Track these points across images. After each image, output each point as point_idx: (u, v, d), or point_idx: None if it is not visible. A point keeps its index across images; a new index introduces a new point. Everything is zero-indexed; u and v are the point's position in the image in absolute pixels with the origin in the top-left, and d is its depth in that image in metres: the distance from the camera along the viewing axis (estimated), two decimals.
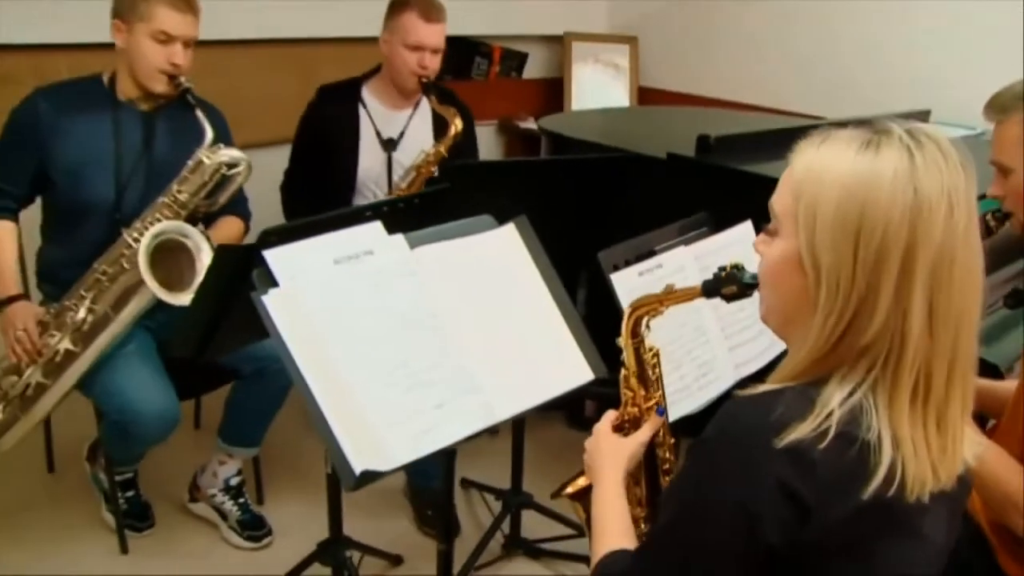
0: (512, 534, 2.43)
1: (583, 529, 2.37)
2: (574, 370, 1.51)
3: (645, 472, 1.34)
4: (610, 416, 1.32)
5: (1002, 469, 1.40)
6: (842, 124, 1.01)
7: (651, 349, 1.34)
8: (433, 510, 2.51)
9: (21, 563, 2.29)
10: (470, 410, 1.36)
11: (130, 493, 2.44)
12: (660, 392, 1.34)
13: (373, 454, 1.24)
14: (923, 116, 3.22)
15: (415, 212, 1.60)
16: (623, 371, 1.33)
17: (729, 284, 1.17)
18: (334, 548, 1.99)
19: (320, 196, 2.58)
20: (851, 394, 0.93)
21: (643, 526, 1.35)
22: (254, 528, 2.42)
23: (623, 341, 1.32)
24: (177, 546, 2.41)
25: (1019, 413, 1.50)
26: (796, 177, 0.98)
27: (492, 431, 2.92)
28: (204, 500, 2.47)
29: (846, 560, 0.93)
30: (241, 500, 2.44)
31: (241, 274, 1.52)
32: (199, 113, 2.08)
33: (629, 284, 1.71)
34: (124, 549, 2.36)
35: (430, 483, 2.54)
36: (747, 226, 1.93)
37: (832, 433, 0.90)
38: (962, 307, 0.93)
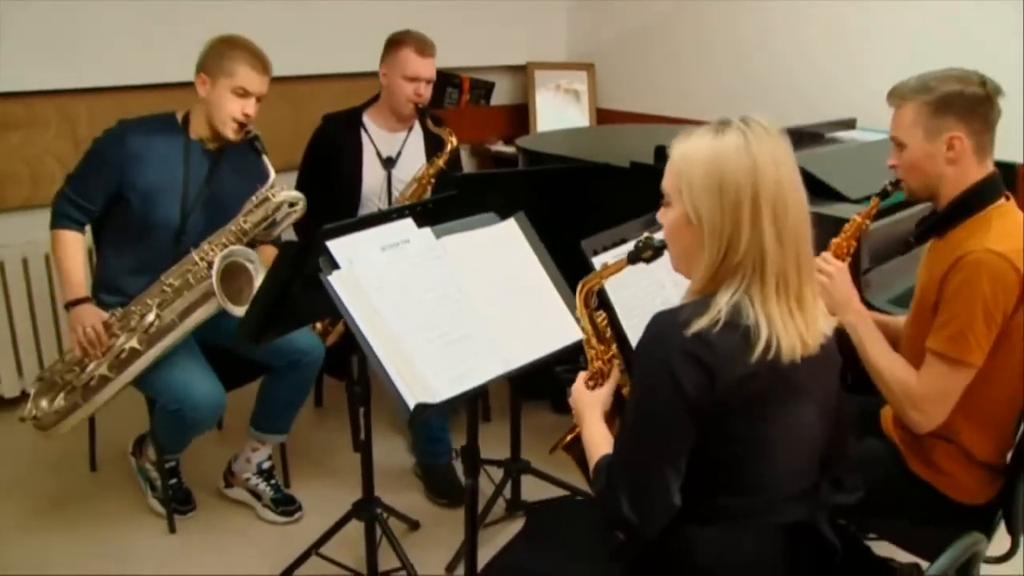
0: (513, 498, 2.76)
1: (576, 491, 2.73)
2: (567, 331, 1.88)
3: (618, 413, 1.67)
4: (583, 375, 1.68)
5: (908, 375, 1.81)
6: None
7: (600, 314, 1.68)
8: (443, 483, 2.86)
9: (81, 548, 2.58)
10: (492, 360, 1.73)
11: (174, 480, 2.74)
12: (615, 346, 1.68)
13: (422, 392, 1.59)
14: (850, 123, 3.63)
15: (429, 213, 1.95)
16: (584, 336, 1.67)
17: (646, 250, 1.54)
18: (368, 506, 2.31)
19: (328, 211, 2.89)
20: (733, 295, 1.34)
21: None
22: (287, 505, 2.73)
23: (579, 312, 1.65)
24: (218, 525, 2.72)
25: (909, 336, 1.92)
26: (674, 163, 1.40)
27: (486, 417, 3.29)
28: (239, 484, 2.78)
29: (751, 413, 1.34)
30: (273, 481, 2.76)
31: (296, 267, 1.88)
32: (265, 158, 2.41)
33: None
34: (172, 529, 2.67)
35: (438, 460, 2.89)
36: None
37: (722, 321, 1.31)
38: (797, 227, 1.34)
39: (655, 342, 1.35)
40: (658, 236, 1.51)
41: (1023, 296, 1.74)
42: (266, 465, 2.77)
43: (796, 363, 1.34)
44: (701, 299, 1.37)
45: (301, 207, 2.45)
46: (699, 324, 1.31)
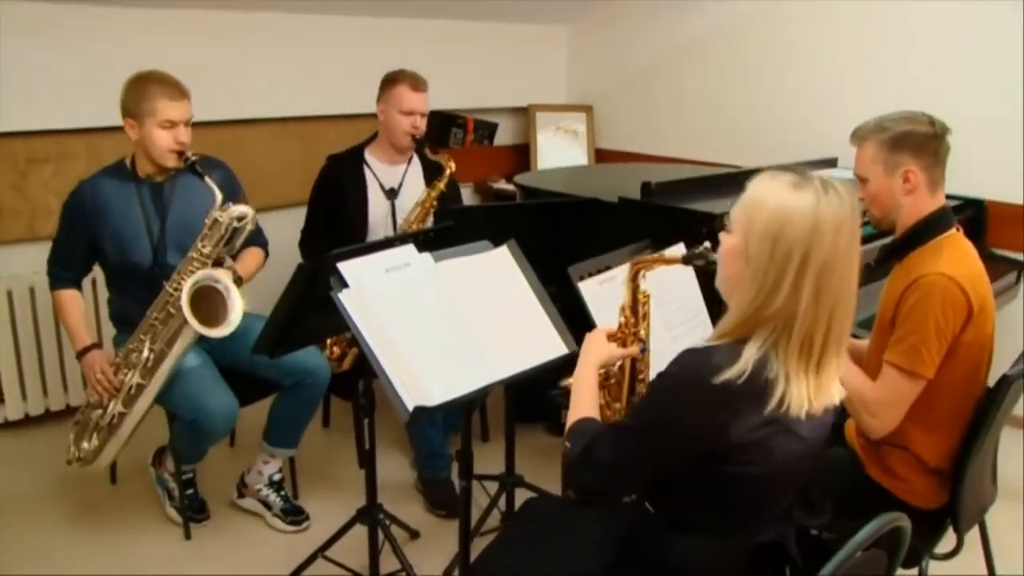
0: (508, 510, 2.92)
1: None
2: (552, 347, 2.06)
3: (628, 380, 1.90)
4: (608, 329, 1.85)
5: (863, 384, 2.00)
6: (788, 168, 1.47)
7: (644, 291, 1.84)
8: (442, 496, 3.04)
9: (102, 554, 2.76)
10: (482, 371, 1.91)
11: (190, 491, 2.93)
12: (646, 323, 1.85)
13: (419, 395, 1.78)
14: (832, 162, 3.84)
15: (429, 241, 2.15)
16: (622, 303, 1.85)
17: (699, 258, 1.67)
18: (371, 512, 2.48)
19: (338, 241, 3.07)
20: (760, 348, 1.41)
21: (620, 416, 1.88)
22: (295, 514, 2.91)
23: (626, 283, 1.82)
24: (231, 532, 2.90)
25: (871, 351, 2.10)
26: (747, 198, 1.45)
27: (484, 437, 3.45)
28: (251, 495, 2.97)
29: (757, 452, 1.44)
30: (282, 493, 2.94)
31: (308, 287, 2.08)
32: (208, 180, 2.53)
33: (593, 291, 2.25)
34: (188, 535, 2.85)
35: (437, 473, 3.07)
36: (680, 247, 2.50)
37: (748, 373, 1.38)
38: (836, 299, 1.40)
39: (684, 378, 1.43)
40: (715, 254, 1.59)
41: (970, 316, 1.94)
42: (276, 477, 2.95)
43: (801, 418, 1.42)
44: (732, 344, 1.43)
45: (250, 219, 2.57)
46: (728, 374, 1.38)
